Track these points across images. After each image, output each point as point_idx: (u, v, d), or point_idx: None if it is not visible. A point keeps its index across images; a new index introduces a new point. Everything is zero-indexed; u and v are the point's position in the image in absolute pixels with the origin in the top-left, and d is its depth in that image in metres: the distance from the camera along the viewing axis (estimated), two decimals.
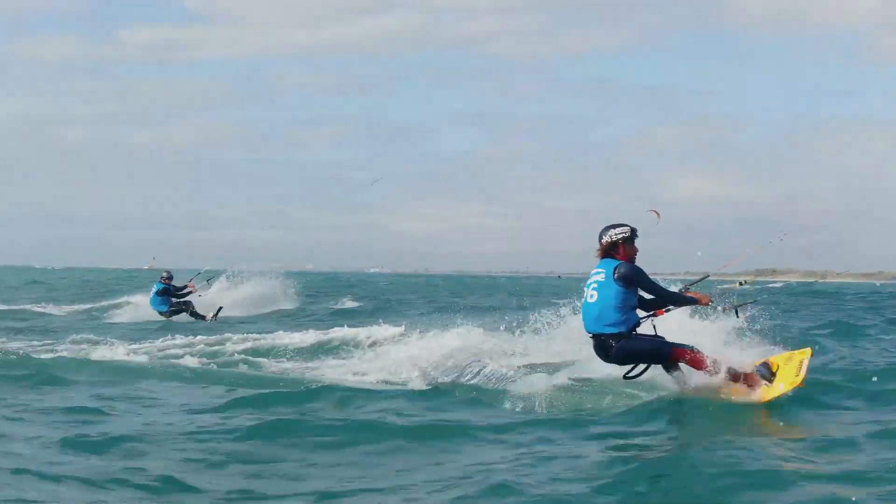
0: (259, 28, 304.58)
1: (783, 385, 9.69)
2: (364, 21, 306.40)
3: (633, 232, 9.97)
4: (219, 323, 24.69)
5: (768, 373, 9.85)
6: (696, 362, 9.71)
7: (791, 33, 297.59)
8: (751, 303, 11.09)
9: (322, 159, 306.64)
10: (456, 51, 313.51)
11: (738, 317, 10.74)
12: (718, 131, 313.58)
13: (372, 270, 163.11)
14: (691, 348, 9.76)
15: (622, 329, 9.72)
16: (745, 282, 11.86)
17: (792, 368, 9.79)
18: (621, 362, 9.96)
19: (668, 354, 9.76)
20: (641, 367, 9.96)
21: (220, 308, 26.61)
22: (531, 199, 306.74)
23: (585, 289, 9.97)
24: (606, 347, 9.83)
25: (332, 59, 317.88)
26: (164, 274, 26.87)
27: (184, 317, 26.30)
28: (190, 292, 27.01)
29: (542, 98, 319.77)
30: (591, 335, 9.92)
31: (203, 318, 26.09)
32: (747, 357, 10.23)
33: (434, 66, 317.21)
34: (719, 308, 10.77)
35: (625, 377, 10.03)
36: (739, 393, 9.78)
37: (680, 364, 9.86)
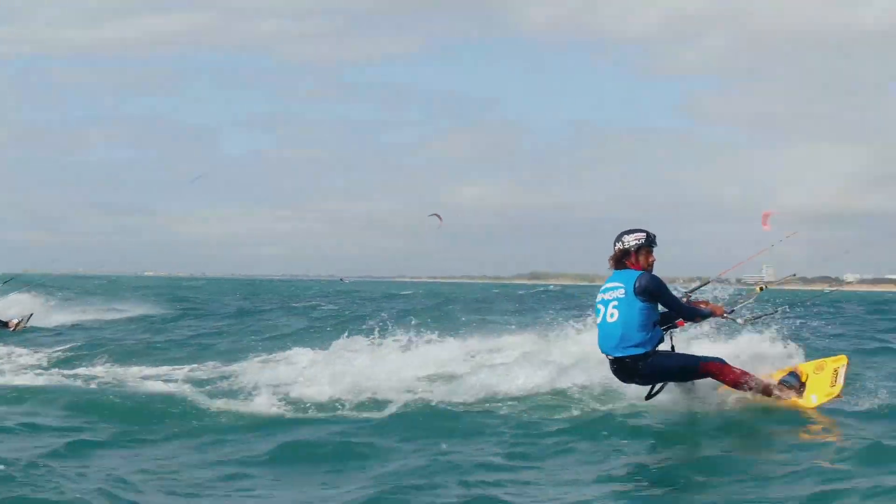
0: (37, 25, 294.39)
1: (816, 397, 9.06)
2: (148, 19, 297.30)
3: (650, 239, 9.10)
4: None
5: (797, 382, 9.21)
6: (726, 375, 9.04)
7: (574, 43, 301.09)
8: (773, 313, 10.16)
9: (100, 160, 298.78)
10: (243, 51, 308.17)
11: (777, 312, 10.03)
12: (503, 138, 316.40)
13: (147, 274, 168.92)
14: (720, 361, 9.13)
15: (648, 349, 8.95)
16: (766, 286, 10.78)
17: (825, 378, 9.13)
18: (647, 383, 9.21)
19: (696, 369, 9.08)
20: (660, 384, 9.23)
21: (31, 314, 23.34)
22: (317, 203, 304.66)
23: (600, 305, 9.07)
24: (631, 370, 9.04)
25: (112, 58, 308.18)
26: None
27: None
28: None
29: (331, 101, 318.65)
30: (609, 358, 9.10)
31: (5, 325, 22.30)
32: (768, 365, 9.60)
33: (220, 67, 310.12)
34: (738, 321, 9.88)
35: (647, 398, 9.27)
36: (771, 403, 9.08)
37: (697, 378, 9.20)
